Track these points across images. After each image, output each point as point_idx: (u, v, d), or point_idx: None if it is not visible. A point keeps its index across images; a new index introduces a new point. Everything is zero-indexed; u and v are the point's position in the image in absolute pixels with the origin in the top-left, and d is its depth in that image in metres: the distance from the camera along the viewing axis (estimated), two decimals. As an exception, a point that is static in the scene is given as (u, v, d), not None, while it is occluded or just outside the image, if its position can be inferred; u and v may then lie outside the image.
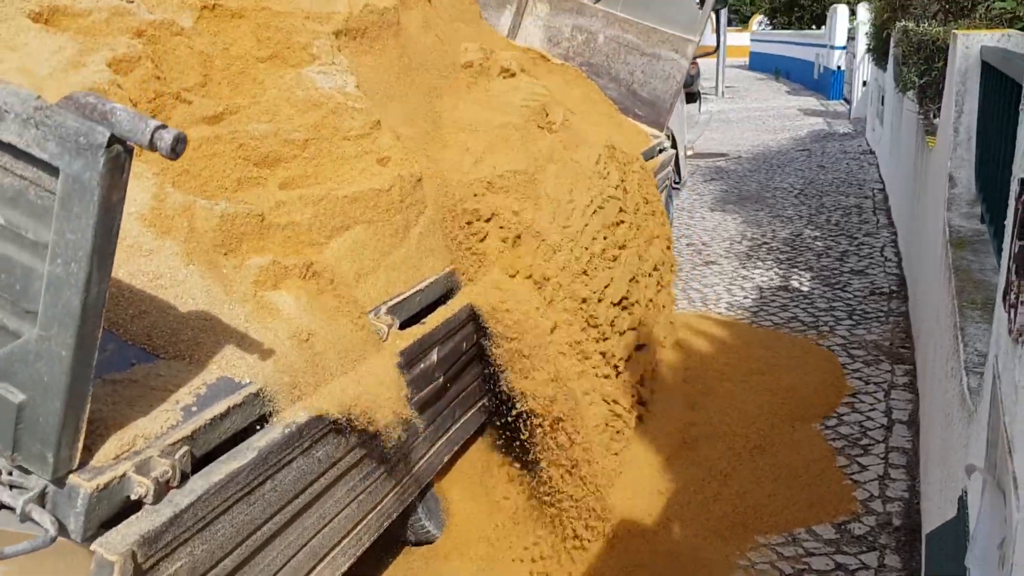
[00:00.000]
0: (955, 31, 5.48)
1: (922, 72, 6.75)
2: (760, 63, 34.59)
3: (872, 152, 15.78)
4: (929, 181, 6.46)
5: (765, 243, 10.50)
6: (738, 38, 36.24)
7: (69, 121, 1.94)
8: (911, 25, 6.61)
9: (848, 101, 22.19)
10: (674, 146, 9.20)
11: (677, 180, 10.01)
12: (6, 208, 2.10)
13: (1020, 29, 6.33)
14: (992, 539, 1.29)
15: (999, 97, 4.17)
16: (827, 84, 25.27)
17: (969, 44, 4.94)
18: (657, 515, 4.60)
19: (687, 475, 5.03)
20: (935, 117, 7.08)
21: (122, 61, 3.29)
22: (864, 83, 19.19)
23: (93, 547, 2.17)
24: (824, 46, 25.67)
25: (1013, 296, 1.32)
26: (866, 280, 8.96)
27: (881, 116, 14.24)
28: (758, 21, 39.28)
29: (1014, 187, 1.37)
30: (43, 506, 2.31)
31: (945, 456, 3.02)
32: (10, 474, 2.33)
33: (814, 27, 31.15)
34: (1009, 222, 1.45)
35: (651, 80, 8.29)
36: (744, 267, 9.58)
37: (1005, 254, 1.45)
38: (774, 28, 35.03)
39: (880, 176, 13.83)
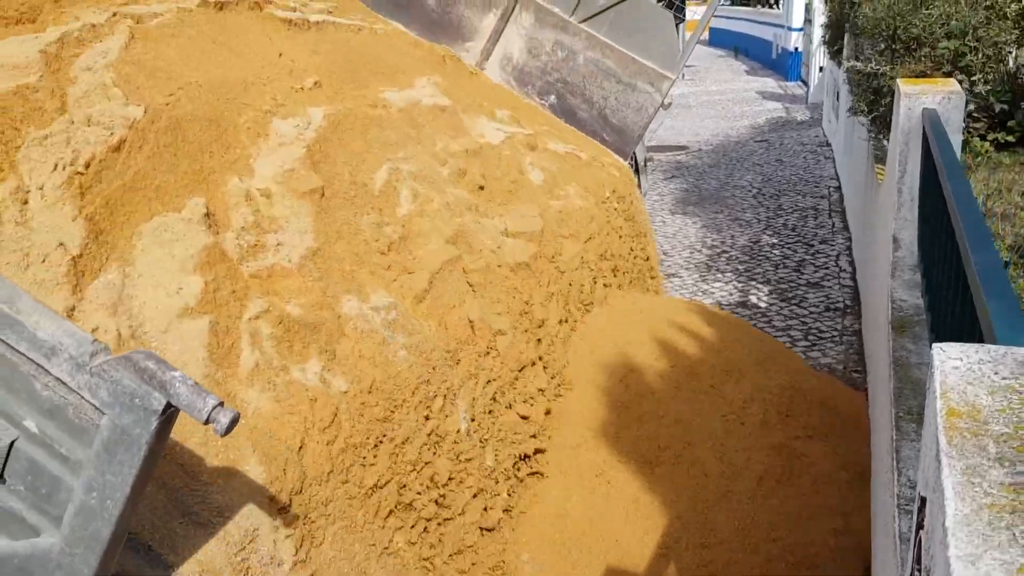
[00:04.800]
0: (899, 81, 5.62)
1: (869, 106, 6.91)
2: (720, 39, 34.65)
3: (828, 144, 16.00)
4: (878, 218, 6.64)
5: (724, 251, 10.69)
6: (698, 12, 36.20)
7: (126, 380, 2.08)
8: (858, 65, 6.75)
9: (806, 83, 22.39)
10: (635, 163, 9.35)
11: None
12: (43, 418, 2.23)
13: (963, 68, 6.51)
14: None
15: (934, 165, 4.32)
16: (785, 65, 25.44)
17: (912, 105, 5.09)
18: None
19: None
20: (885, 140, 7.25)
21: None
22: (821, 68, 19.37)
23: None
24: (782, 26, 25.81)
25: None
26: (821, 294, 9.19)
27: (837, 110, 14.44)
28: (717, -5, 39.18)
29: (916, 504, 1.50)
30: None
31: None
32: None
33: (773, 5, 31.23)
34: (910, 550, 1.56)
35: (623, 109, 8.40)
36: (704, 280, 9.77)
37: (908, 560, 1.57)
38: (732, 3, 35.05)
39: (836, 172, 14.06)
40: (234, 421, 2.11)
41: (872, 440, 4.99)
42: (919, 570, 1.47)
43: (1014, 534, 1.16)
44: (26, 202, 3.56)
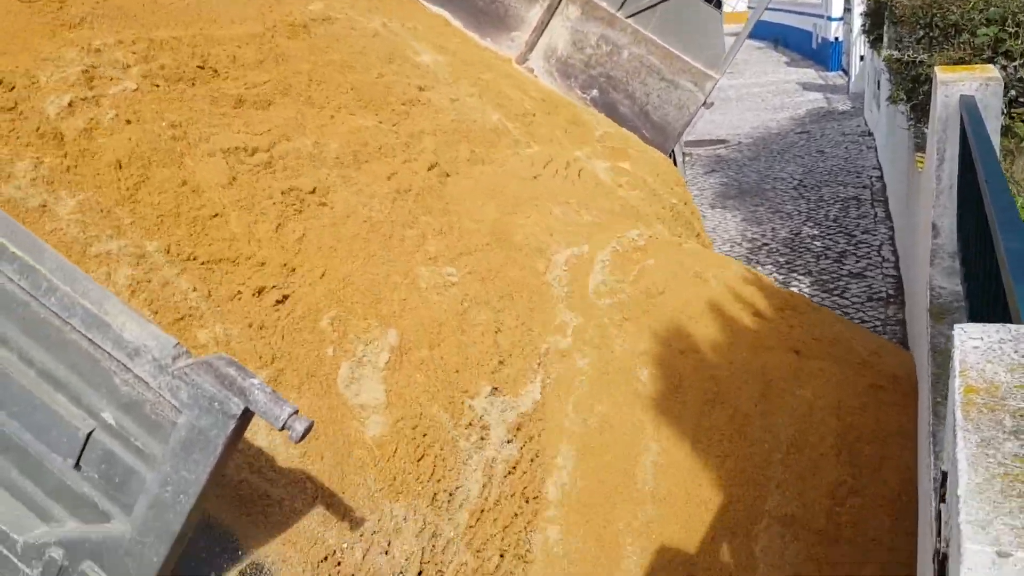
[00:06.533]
0: (936, 69, 5.59)
1: (908, 94, 6.85)
2: (759, 30, 34.21)
3: (870, 134, 15.81)
4: (919, 206, 6.59)
5: (765, 244, 10.65)
6: (737, 4, 35.89)
7: (207, 385, 2.21)
8: (896, 53, 6.70)
9: (847, 73, 22.10)
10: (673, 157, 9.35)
11: None
12: (119, 412, 2.38)
13: (1003, 53, 6.43)
14: None
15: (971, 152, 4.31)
16: (826, 55, 25.13)
17: (949, 93, 5.06)
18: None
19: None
20: (925, 128, 7.19)
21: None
22: (861, 57, 19.12)
23: None
24: (821, 16, 25.50)
25: None
26: (864, 284, 9.12)
27: (878, 99, 14.26)
28: (755, -14, 38.81)
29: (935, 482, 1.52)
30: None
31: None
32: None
33: (811, -6, 30.83)
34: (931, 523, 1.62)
35: (665, 106, 8.43)
36: (744, 273, 9.73)
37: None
38: (771, -6, 34.62)
39: (878, 161, 13.90)
40: (308, 429, 2.21)
41: (918, 427, 4.98)
42: (940, 541, 1.52)
43: (1025, 501, 1.21)
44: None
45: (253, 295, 4.27)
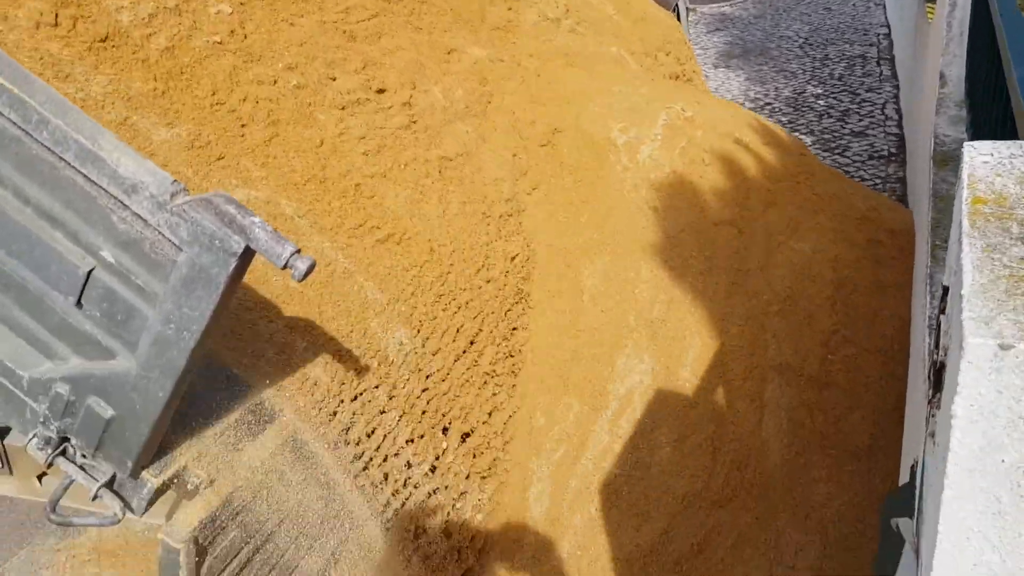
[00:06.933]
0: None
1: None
2: None
3: (880, -11, 15.25)
4: (927, 57, 6.43)
5: (768, 103, 10.45)
6: None
7: (206, 222, 2.17)
8: None
9: (858, -74, 21.13)
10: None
11: None
12: (118, 250, 2.37)
13: None
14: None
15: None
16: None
17: (964, -68, 4.84)
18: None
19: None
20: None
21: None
22: (874, -92, 18.22)
23: (160, 535, 2.52)
24: None
25: (930, 403, 1.55)
26: (865, 143, 9.01)
27: (889, -49, 13.70)
28: None
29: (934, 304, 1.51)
30: (112, 490, 2.66)
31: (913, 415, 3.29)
32: (84, 456, 2.67)
33: None
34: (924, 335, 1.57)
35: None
36: (745, 133, 9.59)
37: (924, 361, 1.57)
38: None
39: (886, 19, 13.47)
40: (311, 268, 2.18)
41: (914, 278, 5.02)
42: (937, 351, 1.53)
43: (1029, 299, 1.21)
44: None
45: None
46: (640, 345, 4.75)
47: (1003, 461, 1.19)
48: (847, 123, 9.57)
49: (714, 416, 4.56)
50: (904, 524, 1.77)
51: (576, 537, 4.28)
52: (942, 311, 1.55)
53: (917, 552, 1.64)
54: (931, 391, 1.58)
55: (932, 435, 1.62)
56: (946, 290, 1.59)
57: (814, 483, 4.46)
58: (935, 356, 1.56)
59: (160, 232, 2.30)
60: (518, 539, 4.19)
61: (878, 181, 8.09)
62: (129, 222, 2.37)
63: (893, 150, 8.72)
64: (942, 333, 1.50)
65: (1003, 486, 1.20)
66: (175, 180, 2.31)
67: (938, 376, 1.50)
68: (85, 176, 2.36)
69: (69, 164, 2.37)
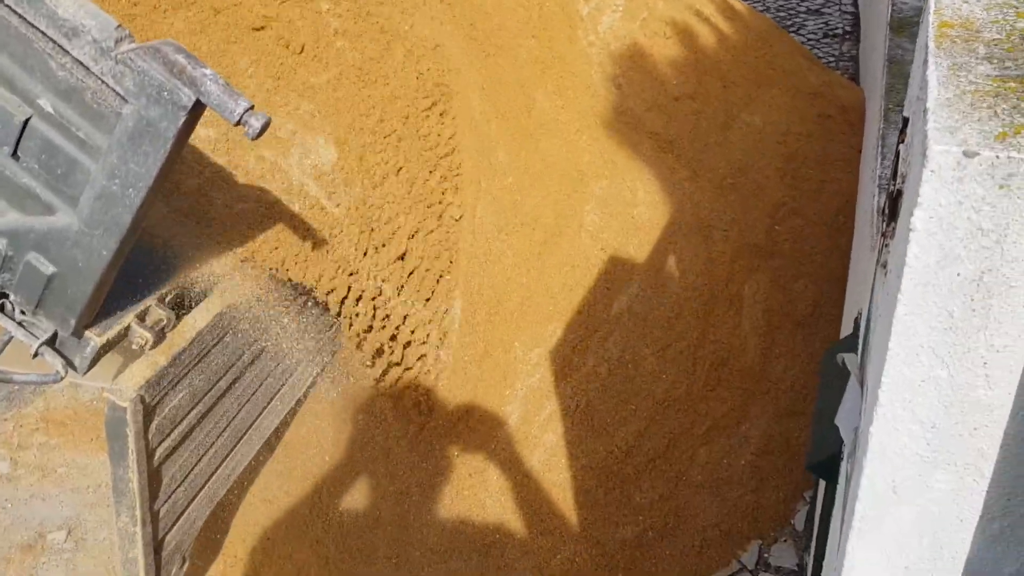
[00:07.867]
0: None
1: None
2: None
3: None
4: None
5: (722, -20, 10.22)
6: None
7: (154, 72, 2.02)
8: None
9: None
10: None
11: None
12: (58, 100, 2.22)
13: None
14: (852, 420, 1.60)
15: None
16: None
17: None
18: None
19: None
20: None
21: None
22: None
23: (105, 394, 2.48)
24: None
25: (883, 232, 1.54)
26: (820, 21, 8.90)
27: None
28: None
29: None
30: (54, 348, 2.60)
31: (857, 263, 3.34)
32: (23, 313, 2.60)
33: None
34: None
35: None
36: (699, 9, 9.41)
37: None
38: None
39: None
40: (266, 125, 2.06)
41: (863, 152, 5.04)
42: (894, 182, 1.53)
43: (995, 111, 1.20)
44: None
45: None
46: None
47: (958, 274, 1.19)
48: (803, 0, 9.43)
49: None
50: (849, 358, 1.80)
51: (545, 454, 4.29)
52: (901, 142, 1.53)
53: (862, 382, 1.67)
54: (885, 223, 1.58)
55: (884, 265, 1.62)
56: (906, 121, 1.57)
57: (776, 358, 4.56)
58: (892, 187, 1.55)
59: (103, 81, 2.15)
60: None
61: (831, 59, 8.04)
62: (69, 69, 2.21)
63: (848, 28, 8.65)
64: (900, 161, 1.48)
65: (956, 300, 1.21)
66: (120, 25, 2.15)
67: (894, 204, 1.49)
68: (21, 16, 2.19)
69: (3, 3, 2.20)
